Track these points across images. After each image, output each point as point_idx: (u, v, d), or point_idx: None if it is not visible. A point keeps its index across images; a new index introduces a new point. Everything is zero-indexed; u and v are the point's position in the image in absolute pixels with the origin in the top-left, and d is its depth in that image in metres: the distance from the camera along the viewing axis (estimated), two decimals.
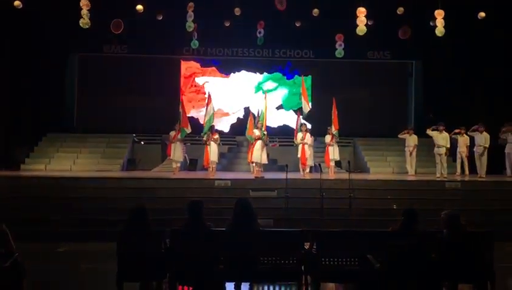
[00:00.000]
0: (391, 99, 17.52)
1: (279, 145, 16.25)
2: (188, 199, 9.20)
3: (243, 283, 5.84)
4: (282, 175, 10.33)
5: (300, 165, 12.93)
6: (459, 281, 5.17)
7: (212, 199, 9.54)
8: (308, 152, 12.81)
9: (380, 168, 14.74)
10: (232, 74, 17.70)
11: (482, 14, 12.77)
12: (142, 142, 16.32)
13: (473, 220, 8.54)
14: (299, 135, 12.94)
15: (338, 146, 13.33)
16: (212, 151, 12.72)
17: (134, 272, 5.22)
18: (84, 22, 11.79)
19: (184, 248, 5.25)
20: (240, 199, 5.63)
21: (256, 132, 12.56)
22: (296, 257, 5.36)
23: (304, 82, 14.00)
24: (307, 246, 5.58)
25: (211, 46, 16.44)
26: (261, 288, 5.96)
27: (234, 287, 5.78)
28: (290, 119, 17.23)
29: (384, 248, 4.56)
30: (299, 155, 12.89)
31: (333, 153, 12.95)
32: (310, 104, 13.93)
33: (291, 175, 12.47)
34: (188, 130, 12.91)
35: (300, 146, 12.85)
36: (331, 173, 12.97)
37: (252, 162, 12.74)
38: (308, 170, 12.94)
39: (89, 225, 8.85)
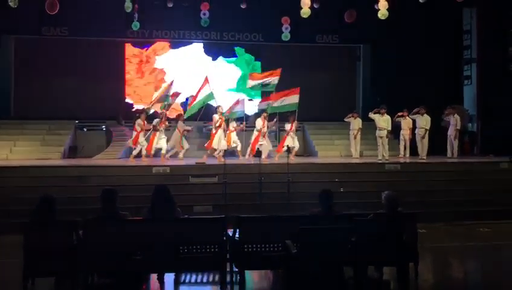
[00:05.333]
0: (340, 84, 17.51)
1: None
2: (123, 187, 8.91)
3: (168, 274, 5.65)
4: (228, 160, 10.06)
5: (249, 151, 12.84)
6: (377, 263, 5.11)
7: (149, 187, 9.15)
8: (264, 139, 12.77)
9: (327, 152, 14.72)
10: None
11: None
12: (85, 129, 15.68)
13: (410, 201, 8.68)
14: (259, 122, 12.80)
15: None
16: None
17: (43, 266, 4.90)
18: (13, 1, 11.05)
19: (97, 238, 4.98)
20: (158, 185, 5.39)
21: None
22: (217, 244, 5.18)
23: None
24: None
25: (156, 28, 15.86)
26: (185, 278, 5.76)
27: (157, 278, 5.58)
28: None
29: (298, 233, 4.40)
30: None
31: (292, 141, 12.86)
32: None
33: (236, 161, 12.35)
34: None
35: (256, 132, 12.75)
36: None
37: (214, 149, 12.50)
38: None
39: (13, 215, 8.34)
